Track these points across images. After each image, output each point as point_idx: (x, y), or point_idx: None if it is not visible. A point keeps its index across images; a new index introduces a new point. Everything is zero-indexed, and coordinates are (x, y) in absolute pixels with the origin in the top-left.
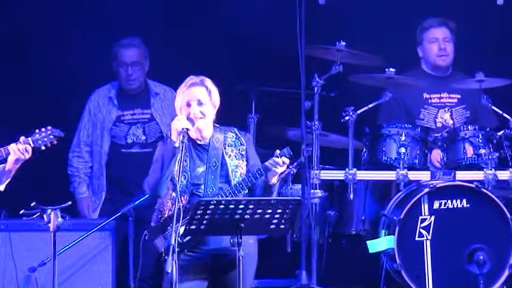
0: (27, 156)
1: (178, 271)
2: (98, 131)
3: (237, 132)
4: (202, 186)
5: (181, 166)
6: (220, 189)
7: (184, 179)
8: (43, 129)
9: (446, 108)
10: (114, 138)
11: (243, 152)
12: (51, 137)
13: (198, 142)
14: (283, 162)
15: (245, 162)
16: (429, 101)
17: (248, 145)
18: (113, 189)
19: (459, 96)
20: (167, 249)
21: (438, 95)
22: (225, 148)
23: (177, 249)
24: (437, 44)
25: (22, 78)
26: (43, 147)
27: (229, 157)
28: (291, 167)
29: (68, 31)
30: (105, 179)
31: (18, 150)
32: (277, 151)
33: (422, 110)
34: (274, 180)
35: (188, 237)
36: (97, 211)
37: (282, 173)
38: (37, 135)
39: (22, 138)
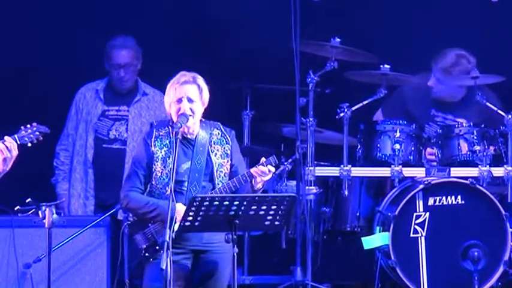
0: (14, 154)
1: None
2: (82, 124)
3: (223, 129)
4: (186, 184)
5: (174, 164)
6: (203, 188)
7: (166, 177)
8: (28, 126)
9: None
10: (96, 132)
11: (228, 152)
12: (37, 133)
13: (184, 136)
14: (269, 171)
15: (229, 162)
16: (435, 118)
17: (233, 144)
18: (95, 185)
19: (464, 121)
20: (149, 247)
21: (443, 115)
22: (210, 146)
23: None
24: (430, 80)
25: (7, 75)
26: (29, 144)
27: (214, 155)
28: (286, 163)
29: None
30: (93, 173)
31: (1, 150)
32: (263, 159)
33: (427, 126)
34: (259, 186)
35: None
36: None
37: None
38: (23, 132)
39: (6, 137)
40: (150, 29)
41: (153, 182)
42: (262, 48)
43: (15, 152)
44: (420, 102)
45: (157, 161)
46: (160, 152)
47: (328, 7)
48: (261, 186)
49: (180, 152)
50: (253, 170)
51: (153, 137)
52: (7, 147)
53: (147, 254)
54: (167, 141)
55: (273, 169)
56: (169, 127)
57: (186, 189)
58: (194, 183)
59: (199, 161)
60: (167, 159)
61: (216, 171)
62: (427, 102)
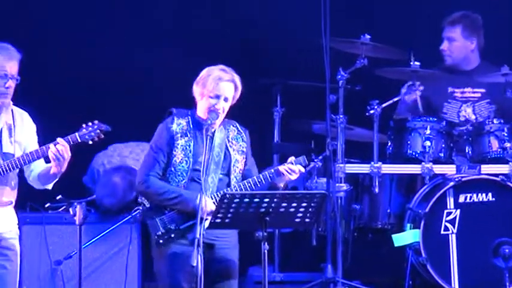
0: (66, 157)
1: (170, 259)
2: None
3: (239, 128)
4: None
5: (204, 160)
6: (220, 180)
7: (186, 164)
8: (90, 124)
9: (468, 103)
10: None
11: (244, 149)
12: (98, 131)
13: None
14: (299, 171)
15: (244, 160)
16: (453, 95)
17: (248, 144)
18: None
19: (484, 90)
20: (163, 234)
21: (461, 90)
22: (228, 141)
23: (172, 236)
24: (443, 43)
25: (68, 76)
26: (90, 142)
27: (232, 150)
28: (316, 160)
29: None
30: None
31: (53, 152)
32: (293, 158)
33: (446, 104)
34: (281, 185)
35: (186, 225)
36: None
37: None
38: (84, 130)
39: (59, 139)
40: (183, 26)
41: (172, 169)
42: (292, 46)
43: (67, 155)
44: (436, 85)
45: (177, 148)
46: (181, 140)
47: (358, 3)
48: (282, 186)
49: (200, 142)
50: (282, 168)
51: (175, 124)
52: (58, 151)
53: (161, 241)
54: (186, 130)
55: (302, 169)
56: (189, 117)
57: (203, 179)
58: (212, 174)
59: (218, 154)
60: (187, 147)
61: (233, 166)
62: (443, 83)
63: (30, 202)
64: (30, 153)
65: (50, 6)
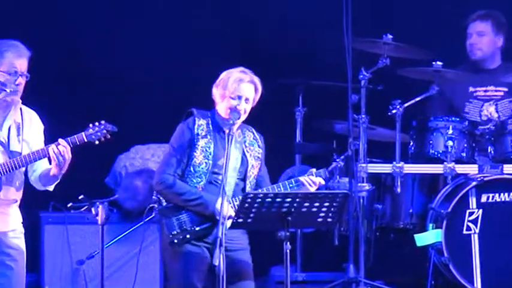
0: (66, 158)
1: (184, 258)
2: None
3: (255, 133)
4: (220, 177)
5: (227, 160)
6: (236, 185)
7: (205, 166)
8: (96, 124)
9: (491, 102)
10: None
11: (260, 155)
12: (104, 131)
13: (225, 131)
14: (319, 183)
15: (259, 166)
16: (474, 94)
17: (263, 150)
18: None
19: (506, 89)
20: (178, 234)
21: (484, 88)
22: (245, 146)
23: (188, 237)
24: (471, 38)
25: (75, 77)
26: (96, 142)
27: (249, 156)
28: (338, 160)
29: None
30: None
31: (54, 153)
32: (314, 170)
33: (468, 104)
34: None
35: (201, 227)
36: None
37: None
38: (90, 130)
39: (60, 140)
40: (206, 25)
41: (191, 170)
42: (314, 45)
43: (67, 156)
44: (457, 85)
45: (197, 149)
46: (201, 141)
47: (380, 3)
48: None
49: (220, 145)
50: (302, 178)
51: (196, 125)
52: (60, 151)
53: (175, 241)
54: (207, 132)
55: (322, 182)
56: (209, 118)
57: (220, 182)
58: (229, 178)
59: (236, 158)
60: (207, 149)
61: (249, 171)
62: (464, 83)
63: (52, 202)
64: (33, 152)
65: (58, 6)
